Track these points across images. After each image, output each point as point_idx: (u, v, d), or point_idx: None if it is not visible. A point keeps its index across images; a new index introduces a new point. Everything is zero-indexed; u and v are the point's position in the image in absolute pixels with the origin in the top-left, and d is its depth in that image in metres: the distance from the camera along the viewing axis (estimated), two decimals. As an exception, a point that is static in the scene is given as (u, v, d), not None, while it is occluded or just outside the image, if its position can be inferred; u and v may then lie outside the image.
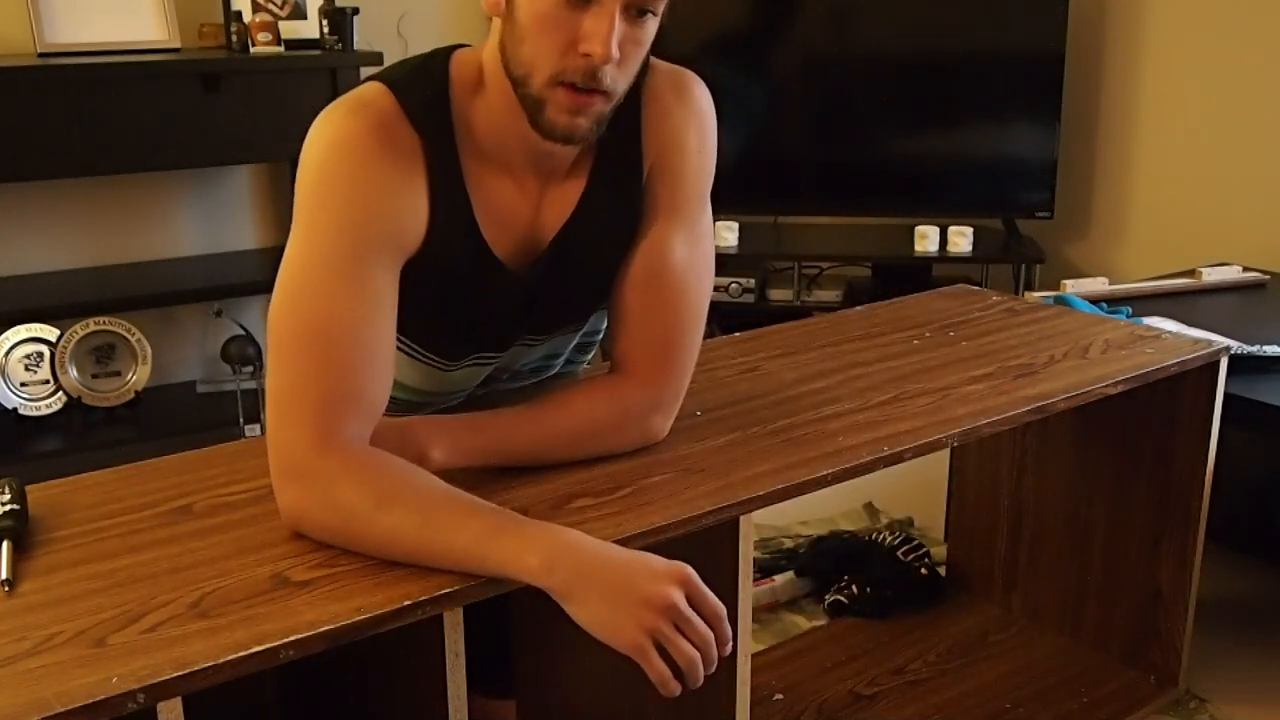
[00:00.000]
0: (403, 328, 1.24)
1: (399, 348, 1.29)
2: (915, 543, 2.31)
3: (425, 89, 1.22)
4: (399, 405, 1.36)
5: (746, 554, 1.30)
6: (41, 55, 2.81)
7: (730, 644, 1.09)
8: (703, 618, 1.06)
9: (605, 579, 1.05)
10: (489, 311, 1.31)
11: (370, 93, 1.21)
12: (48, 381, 2.95)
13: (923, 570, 2.23)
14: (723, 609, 1.08)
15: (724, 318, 3.44)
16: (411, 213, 1.21)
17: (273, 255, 3.27)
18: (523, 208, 1.28)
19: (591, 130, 1.20)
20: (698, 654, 1.05)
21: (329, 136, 1.19)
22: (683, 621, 1.05)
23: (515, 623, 1.54)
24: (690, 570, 1.07)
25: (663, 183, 1.33)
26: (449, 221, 1.22)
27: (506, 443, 1.27)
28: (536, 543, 1.06)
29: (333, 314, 1.15)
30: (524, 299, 1.31)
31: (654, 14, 1.18)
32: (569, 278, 1.33)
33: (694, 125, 1.34)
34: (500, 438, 1.27)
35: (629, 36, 1.16)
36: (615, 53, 1.14)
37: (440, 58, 1.26)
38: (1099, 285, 2.43)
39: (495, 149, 1.25)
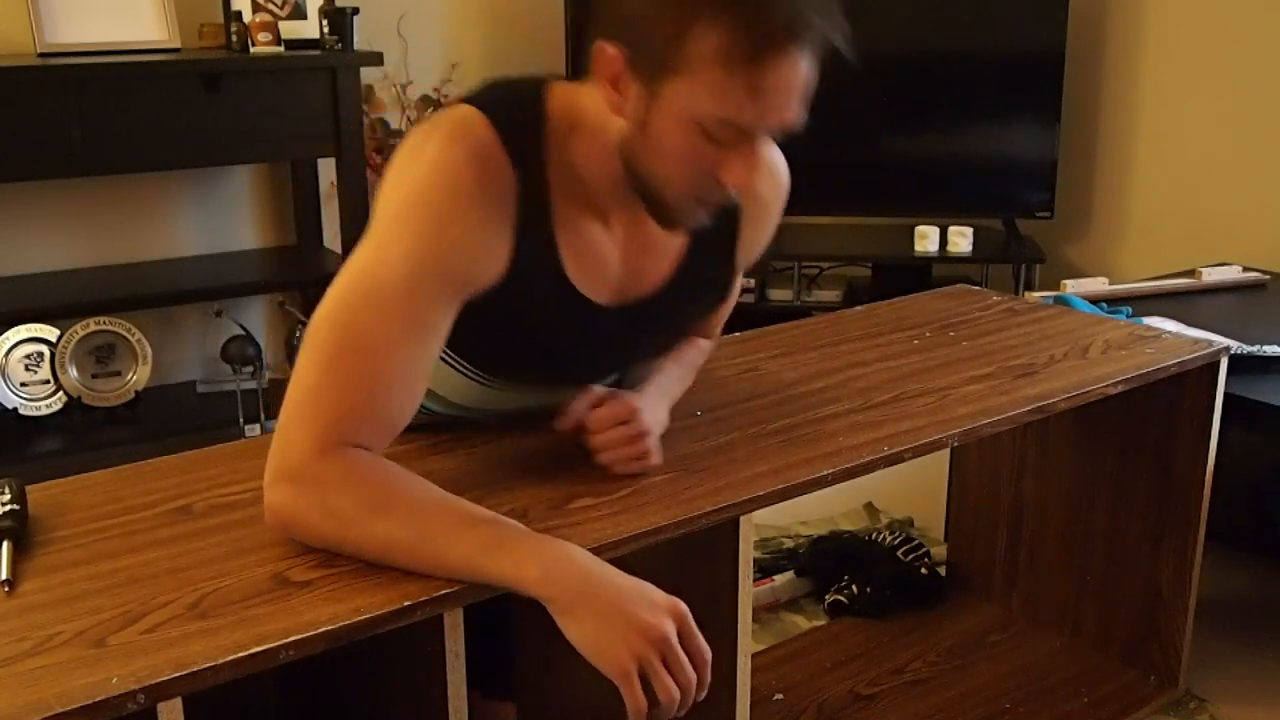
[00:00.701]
0: (458, 348, 1.25)
1: (448, 363, 1.29)
2: (915, 543, 2.31)
3: (524, 123, 1.20)
4: (430, 415, 1.38)
5: (746, 554, 1.30)
6: (41, 55, 2.82)
7: (706, 691, 1.09)
8: (689, 657, 1.06)
9: (603, 599, 1.04)
10: (573, 348, 1.31)
11: (470, 118, 1.18)
12: (48, 381, 2.95)
13: (923, 570, 2.23)
14: (709, 654, 1.09)
15: (724, 318, 3.44)
16: (492, 251, 1.18)
17: (272, 255, 3.28)
18: (611, 249, 1.28)
19: (708, 220, 1.24)
20: (678, 692, 1.05)
21: (429, 158, 1.15)
22: (671, 656, 1.05)
23: (515, 623, 1.53)
24: (685, 608, 1.08)
25: (751, 239, 1.41)
26: (533, 260, 1.21)
27: None
28: (537, 554, 1.06)
29: (380, 335, 1.13)
30: (615, 338, 1.32)
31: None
32: (669, 325, 1.37)
33: (776, 187, 1.42)
34: None
35: (759, 159, 1.18)
36: (754, 182, 1.18)
37: (535, 90, 1.23)
38: (1099, 285, 2.43)
39: (587, 191, 1.24)
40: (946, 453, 2.21)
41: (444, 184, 1.15)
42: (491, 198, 1.17)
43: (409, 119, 3.42)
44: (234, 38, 2.96)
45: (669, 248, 1.32)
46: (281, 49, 2.98)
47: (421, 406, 1.24)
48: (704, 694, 1.08)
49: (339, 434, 1.12)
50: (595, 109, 1.19)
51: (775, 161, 1.40)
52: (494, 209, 1.17)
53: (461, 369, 1.31)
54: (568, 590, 1.04)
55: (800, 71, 1.11)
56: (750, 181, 1.17)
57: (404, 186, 1.16)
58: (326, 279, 3.48)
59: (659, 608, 1.05)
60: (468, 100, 1.21)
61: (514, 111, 1.20)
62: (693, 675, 1.07)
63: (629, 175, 1.19)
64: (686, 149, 1.14)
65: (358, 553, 1.10)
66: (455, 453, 1.36)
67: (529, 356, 1.29)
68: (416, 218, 1.15)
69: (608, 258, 1.28)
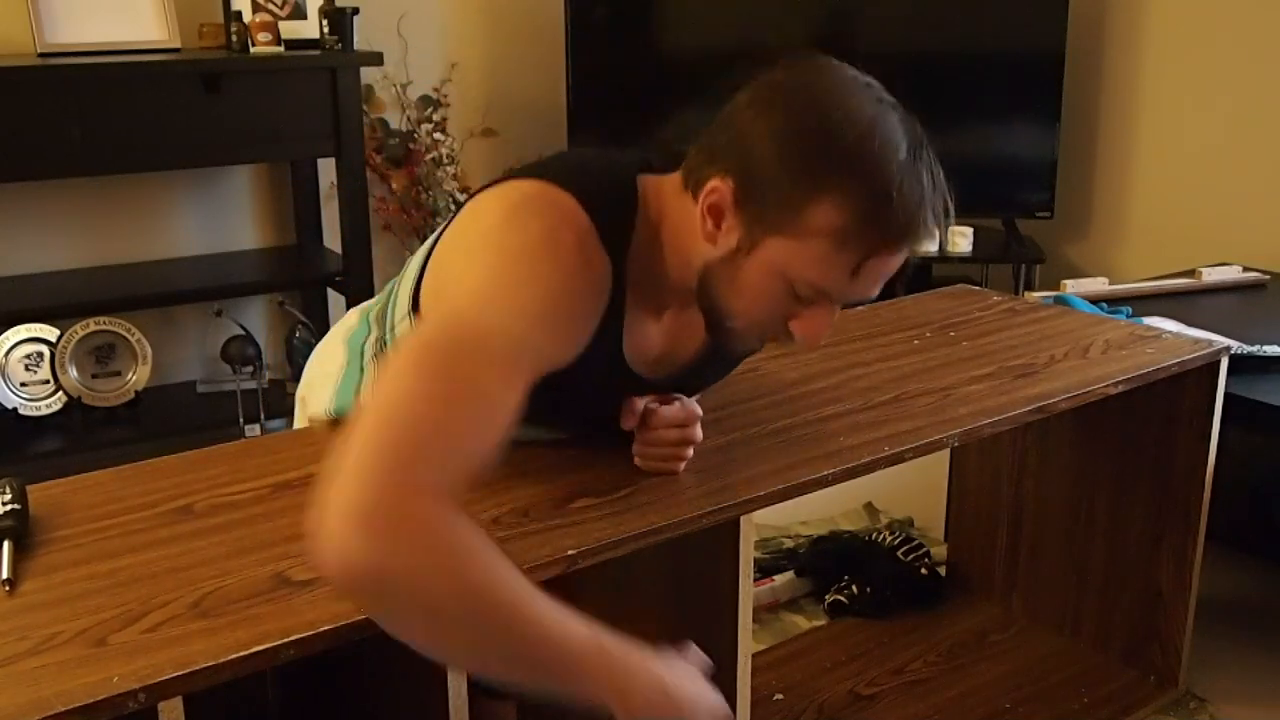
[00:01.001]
0: None
1: None
2: (915, 543, 2.31)
3: (619, 220, 1.18)
4: None
5: (746, 554, 1.30)
6: (41, 55, 2.82)
7: None
8: None
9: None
10: (605, 405, 1.31)
11: (568, 205, 1.15)
12: (48, 381, 2.95)
13: (923, 570, 2.23)
14: None
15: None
16: (581, 341, 1.17)
17: (272, 255, 3.28)
18: (658, 333, 1.29)
19: None
20: None
21: (539, 234, 1.11)
22: None
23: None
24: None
25: None
26: (601, 343, 1.20)
27: None
28: (642, 683, 1.01)
29: (484, 384, 1.02)
30: (650, 391, 1.33)
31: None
32: (694, 388, 1.38)
33: None
34: None
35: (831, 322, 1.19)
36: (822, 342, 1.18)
37: (629, 184, 1.21)
38: (1099, 285, 2.43)
39: (654, 286, 1.23)
40: (946, 453, 2.21)
41: (557, 265, 1.11)
42: (592, 293, 1.16)
43: (409, 119, 3.42)
44: (234, 38, 2.96)
45: (700, 332, 1.32)
46: (281, 49, 2.98)
47: None
48: None
49: (438, 476, 0.97)
50: (679, 218, 1.19)
51: None
52: (592, 303, 1.16)
53: None
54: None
55: (899, 259, 1.13)
56: (818, 339, 1.18)
57: (511, 251, 1.11)
58: (326, 279, 3.48)
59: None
60: (561, 180, 1.16)
61: (611, 206, 1.18)
62: None
63: (701, 294, 1.19)
64: (768, 297, 1.14)
65: (447, 609, 0.92)
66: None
67: (560, 408, 1.28)
68: (527, 285, 1.09)
69: (655, 340, 1.29)
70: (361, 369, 1.39)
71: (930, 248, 3.49)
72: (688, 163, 1.18)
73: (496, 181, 1.21)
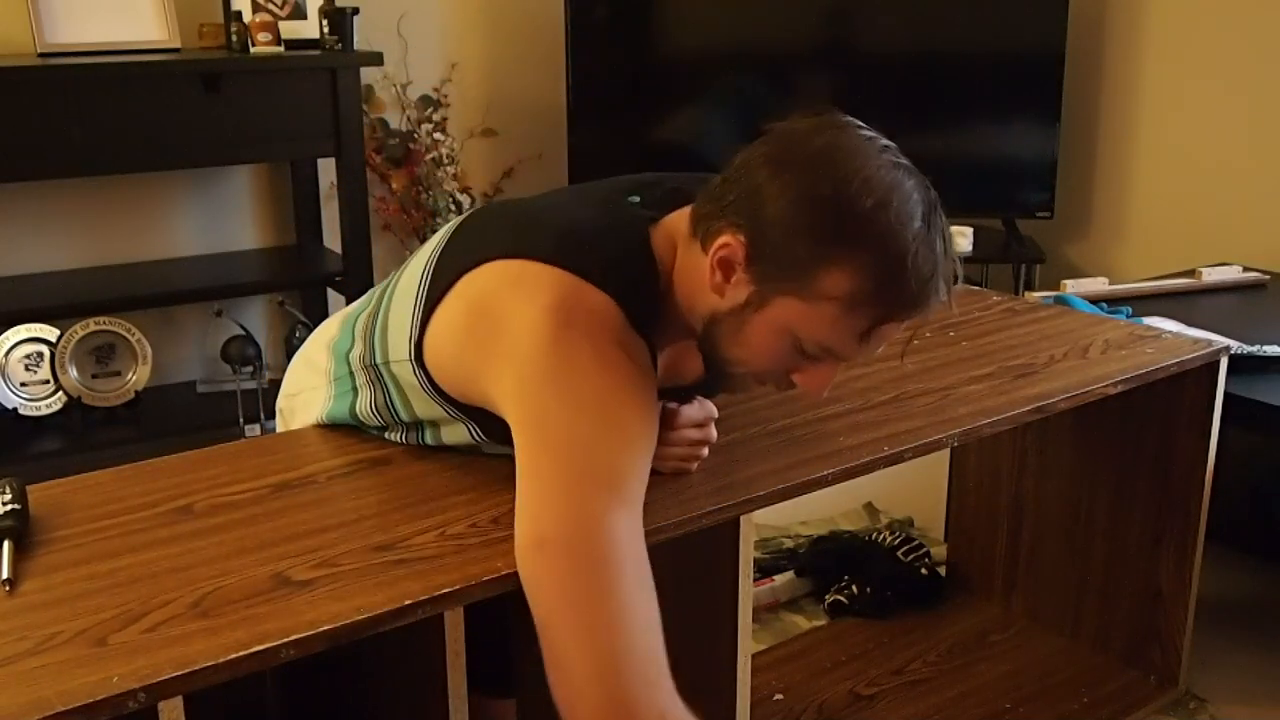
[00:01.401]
0: (489, 432, 1.26)
1: (472, 434, 1.30)
2: (915, 543, 2.31)
3: (647, 297, 1.19)
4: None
5: (746, 554, 1.30)
6: (41, 55, 2.81)
7: None
8: None
9: None
10: None
11: (601, 306, 1.14)
12: (48, 381, 2.95)
13: (923, 570, 2.23)
14: None
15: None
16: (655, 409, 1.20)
17: (272, 255, 3.28)
18: (665, 358, 1.29)
19: None
20: None
21: (594, 363, 1.11)
22: None
23: (515, 623, 1.53)
24: None
25: None
26: None
27: None
28: None
29: (626, 552, 1.06)
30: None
31: None
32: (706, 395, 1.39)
33: None
34: None
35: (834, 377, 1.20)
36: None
37: (645, 246, 1.20)
38: (1099, 285, 2.43)
39: (663, 324, 1.23)
40: (946, 453, 2.21)
41: (618, 387, 1.12)
42: (645, 384, 1.16)
43: (409, 119, 3.42)
44: (234, 38, 2.96)
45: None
46: (281, 49, 2.98)
47: (423, 443, 1.31)
48: None
49: (658, 691, 1.04)
50: (687, 264, 1.19)
51: None
52: (647, 389, 1.16)
53: (478, 438, 1.30)
54: None
55: (908, 324, 1.14)
56: (821, 393, 1.19)
57: (574, 397, 1.10)
58: (326, 279, 3.48)
59: None
60: (585, 270, 1.15)
61: (638, 287, 1.18)
62: None
63: (704, 341, 1.19)
64: (773, 352, 1.15)
65: None
66: (457, 451, 1.36)
67: None
68: (611, 426, 1.10)
69: (668, 373, 1.30)
70: (354, 388, 1.37)
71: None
72: (698, 210, 1.18)
73: (515, 248, 1.18)
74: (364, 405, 1.36)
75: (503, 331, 1.14)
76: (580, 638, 1.03)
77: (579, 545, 1.04)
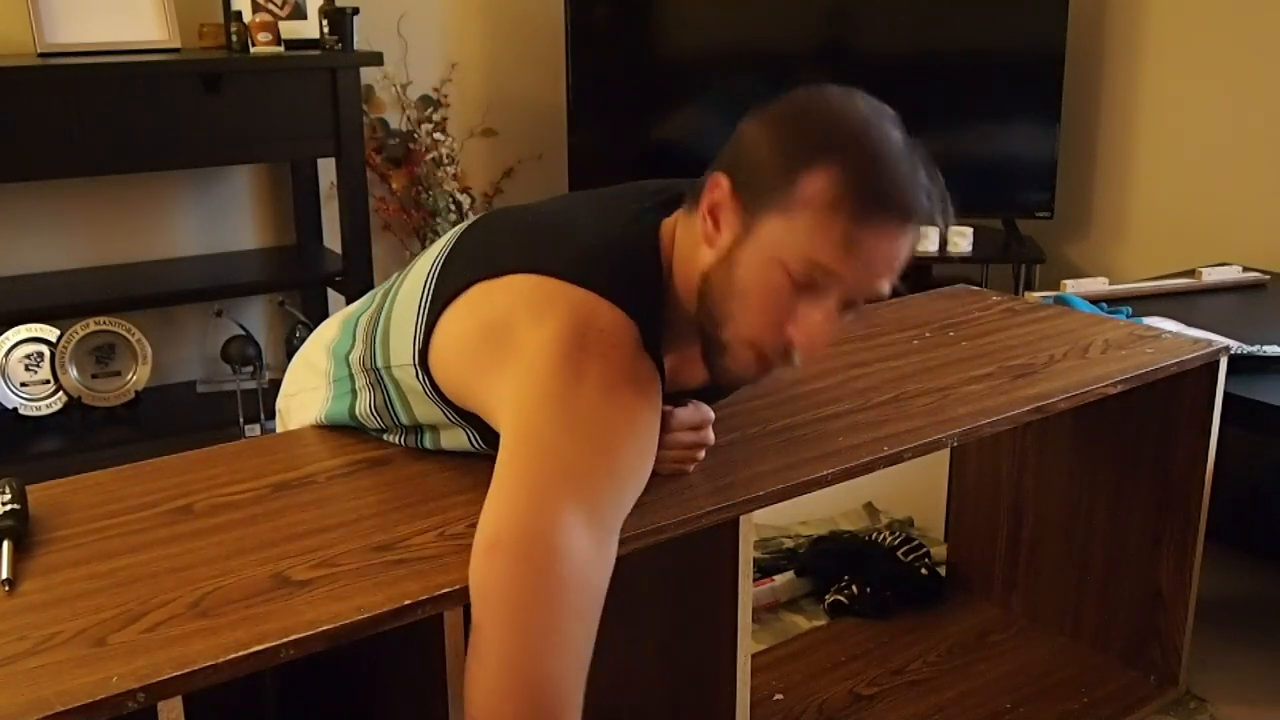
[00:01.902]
0: (488, 440, 1.25)
1: (473, 442, 1.29)
2: (915, 543, 2.31)
3: (655, 307, 1.18)
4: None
5: (746, 554, 1.30)
6: (41, 55, 2.82)
7: None
8: None
9: None
10: None
11: (611, 322, 1.14)
12: (48, 381, 2.95)
13: (923, 570, 2.23)
14: None
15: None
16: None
17: (272, 255, 3.28)
18: (676, 369, 1.30)
19: (758, 380, 1.22)
20: None
21: (599, 386, 1.10)
22: None
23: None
24: None
25: None
26: None
27: None
28: None
29: (576, 575, 1.04)
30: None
31: (856, 309, 1.16)
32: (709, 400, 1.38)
33: None
34: None
35: (837, 325, 1.15)
36: (822, 348, 1.14)
37: (654, 253, 1.20)
38: (1099, 285, 2.43)
39: (675, 335, 1.23)
40: (946, 453, 2.21)
41: (622, 421, 1.12)
42: (652, 401, 1.16)
43: (409, 119, 3.42)
44: (234, 38, 2.96)
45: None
46: (281, 49, 2.98)
47: (421, 446, 1.32)
48: None
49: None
50: (687, 247, 1.19)
51: None
52: (653, 407, 1.16)
53: (477, 445, 1.30)
54: None
55: (898, 244, 1.11)
56: (815, 344, 1.13)
57: (569, 419, 1.09)
58: (326, 279, 3.48)
59: None
60: (595, 283, 1.15)
61: (645, 297, 1.17)
62: None
63: (700, 309, 1.17)
64: (764, 290, 1.12)
65: None
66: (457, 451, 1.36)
67: None
68: (601, 452, 1.10)
69: (675, 378, 1.29)
70: (354, 390, 1.37)
71: (929, 245, 3.49)
72: (695, 185, 1.19)
73: (529, 262, 1.18)
74: (363, 407, 1.36)
75: (515, 347, 1.14)
76: (507, 641, 1.01)
77: (528, 551, 1.03)
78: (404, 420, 1.33)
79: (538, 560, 1.02)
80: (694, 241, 1.17)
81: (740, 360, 1.17)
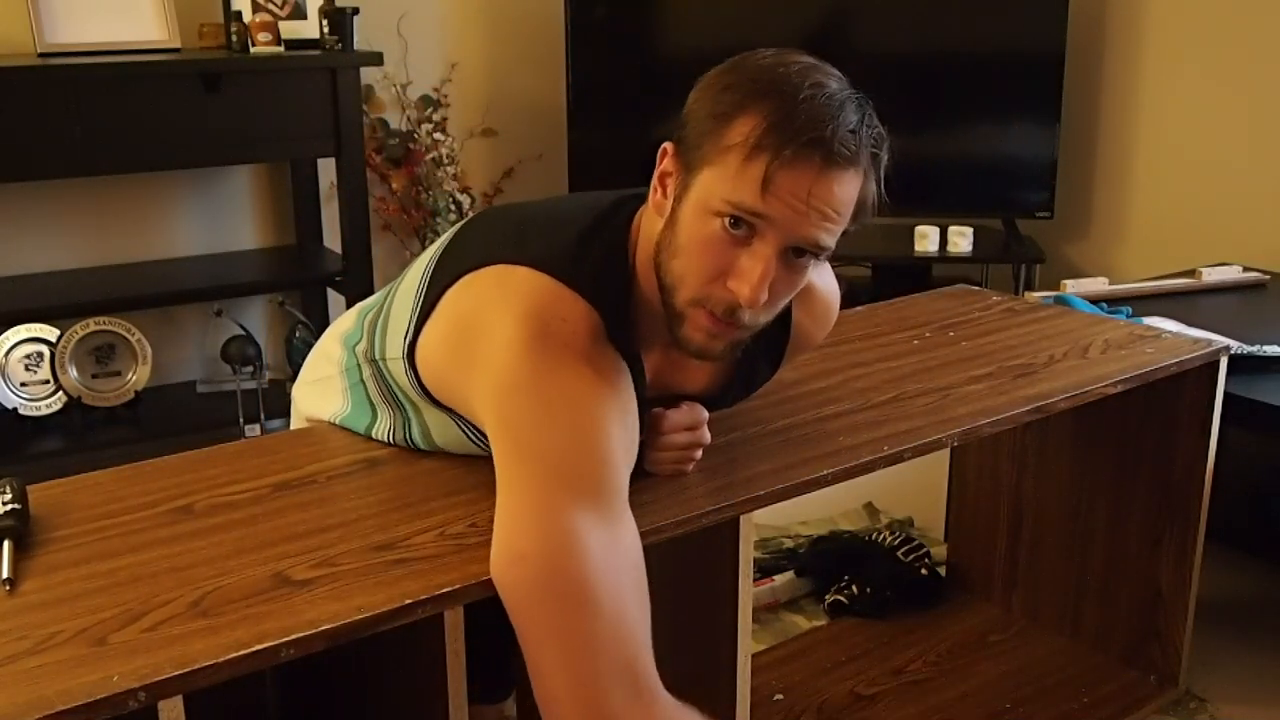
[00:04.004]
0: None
1: (468, 436, 1.30)
2: (915, 543, 2.31)
3: (622, 298, 1.19)
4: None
5: (746, 554, 1.30)
6: (41, 55, 2.82)
7: None
8: None
9: None
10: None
11: (573, 310, 1.15)
12: (48, 381, 2.95)
13: (923, 570, 2.23)
14: None
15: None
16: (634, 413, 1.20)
17: (272, 255, 3.28)
18: (669, 373, 1.30)
19: (727, 352, 1.19)
20: None
21: (561, 364, 1.11)
22: None
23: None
24: None
25: (793, 359, 1.45)
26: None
27: None
28: None
29: (601, 566, 1.06)
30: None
31: (815, 255, 1.13)
32: (715, 407, 1.38)
33: (819, 320, 1.43)
34: None
35: (782, 278, 1.12)
36: (763, 297, 1.11)
37: (623, 244, 1.21)
38: (1099, 285, 2.43)
39: (652, 323, 1.22)
40: (946, 453, 2.21)
41: (594, 399, 1.12)
42: (622, 388, 1.16)
43: (409, 119, 3.42)
44: (234, 38, 2.96)
45: (717, 378, 1.34)
46: (281, 49, 2.98)
47: (410, 440, 1.31)
48: None
49: (647, 670, 1.05)
50: (649, 229, 1.19)
51: (822, 289, 1.39)
52: (626, 393, 1.17)
53: (476, 442, 1.31)
54: None
55: (822, 183, 1.09)
56: (755, 293, 1.10)
57: (545, 406, 1.11)
58: (326, 279, 3.48)
59: None
60: (559, 271, 1.16)
61: (612, 286, 1.18)
62: None
63: (658, 281, 1.17)
64: (702, 243, 1.11)
65: None
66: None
67: None
68: (583, 435, 1.11)
69: (666, 379, 1.30)
70: (361, 380, 1.38)
71: (930, 245, 3.48)
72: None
73: (502, 254, 1.19)
74: (374, 394, 1.37)
75: (480, 339, 1.15)
76: (557, 654, 1.04)
77: (555, 561, 1.04)
78: (408, 412, 1.34)
79: (567, 570, 1.05)
80: (653, 222, 1.18)
81: (694, 324, 1.15)
